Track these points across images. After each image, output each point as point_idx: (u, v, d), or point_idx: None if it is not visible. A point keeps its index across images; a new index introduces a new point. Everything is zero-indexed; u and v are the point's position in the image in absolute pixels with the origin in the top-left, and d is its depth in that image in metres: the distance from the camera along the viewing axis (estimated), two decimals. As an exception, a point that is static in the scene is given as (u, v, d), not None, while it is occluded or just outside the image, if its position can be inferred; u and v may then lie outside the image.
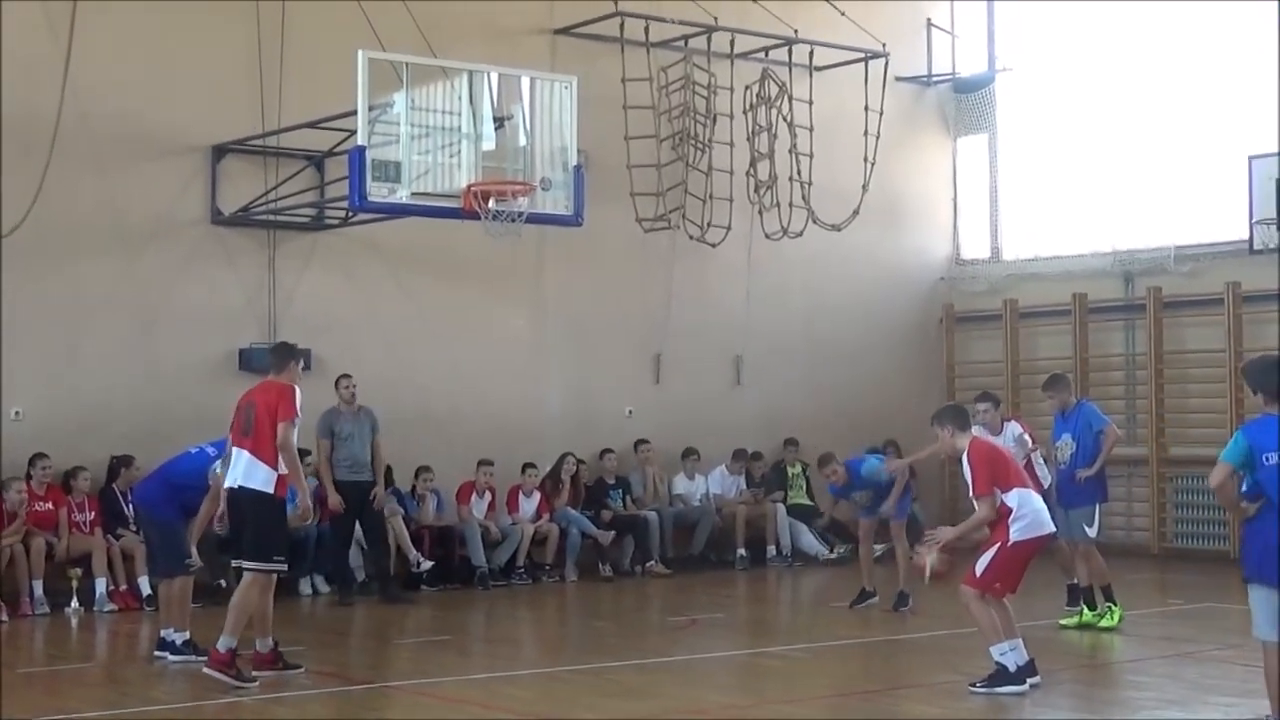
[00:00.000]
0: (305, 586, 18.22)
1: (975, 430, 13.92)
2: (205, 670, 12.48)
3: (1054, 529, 12.59)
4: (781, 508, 21.74)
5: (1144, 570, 19.77)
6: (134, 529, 17.39)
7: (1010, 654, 11.90)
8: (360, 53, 15.42)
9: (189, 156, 18.83)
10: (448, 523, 19.52)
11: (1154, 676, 12.78)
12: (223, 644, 12.40)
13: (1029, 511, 12.01)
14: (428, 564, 18.56)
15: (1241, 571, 9.97)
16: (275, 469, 12.53)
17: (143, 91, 18.44)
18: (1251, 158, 20.65)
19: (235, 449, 12.75)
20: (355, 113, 15.55)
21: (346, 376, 18.17)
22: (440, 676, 13.11)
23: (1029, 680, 11.90)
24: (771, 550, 21.54)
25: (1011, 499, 11.97)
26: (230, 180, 18.97)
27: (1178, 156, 22.29)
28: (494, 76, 16.65)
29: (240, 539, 12.80)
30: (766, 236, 21.95)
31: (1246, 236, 20.74)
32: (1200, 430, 21.68)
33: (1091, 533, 15.30)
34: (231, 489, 12.73)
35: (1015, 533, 11.93)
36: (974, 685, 11.90)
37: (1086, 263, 23.10)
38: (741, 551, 21.32)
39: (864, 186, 22.24)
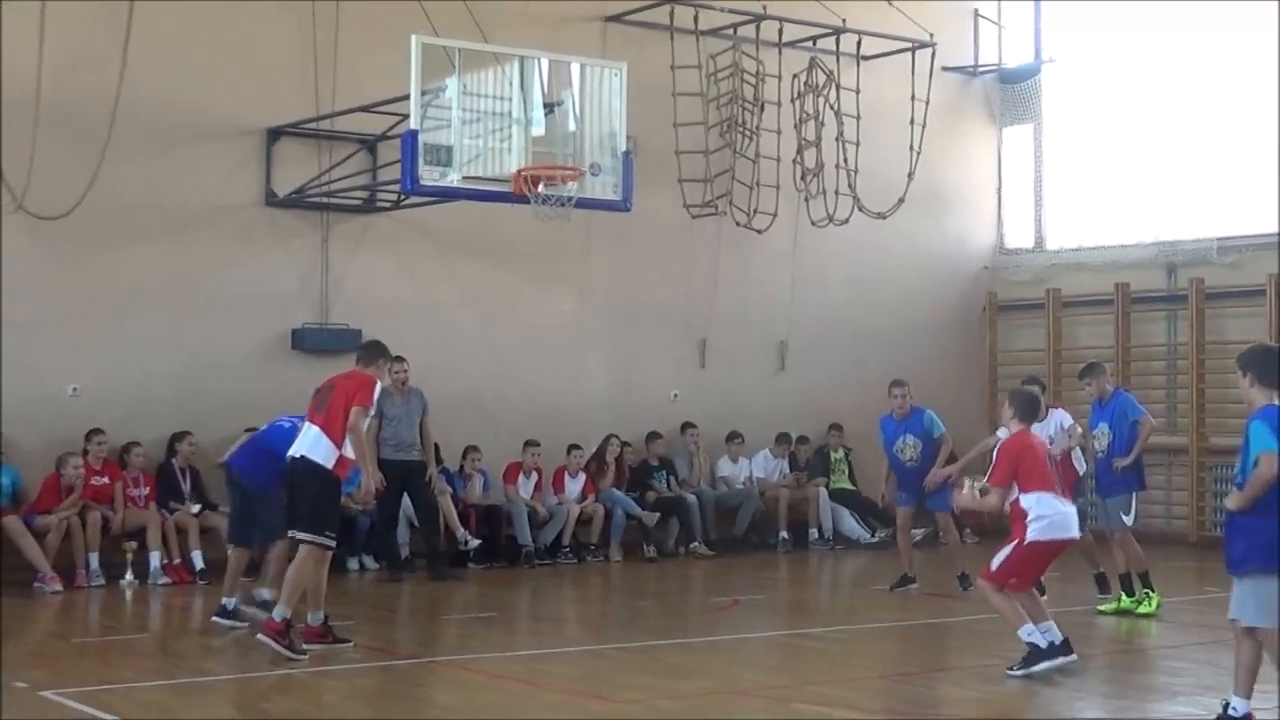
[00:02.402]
0: (353, 563, 18.36)
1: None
2: (258, 638, 12.64)
3: (1077, 535, 12.54)
4: (824, 491, 21.77)
5: (1182, 558, 19.72)
6: (185, 501, 17.64)
7: (1038, 634, 11.95)
8: (414, 37, 15.45)
9: (244, 140, 18.95)
10: (494, 502, 19.61)
11: (1191, 663, 12.77)
12: (277, 614, 12.54)
13: (1048, 514, 12.02)
14: (475, 542, 18.62)
15: (1245, 564, 9.73)
16: (339, 449, 12.71)
17: (199, 76, 18.55)
18: (1295, 151, 20.60)
19: (307, 424, 12.98)
20: (408, 97, 15.57)
21: (400, 359, 18.11)
22: (486, 652, 13.17)
23: (1063, 657, 11.95)
24: (813, 533, 21.60)
25: (1028, 500, 12.00)
26: (284, 163, 19.07)
27: (1221, 148, 22.22)
28: (545, 62, 16.66)
29: (294, 509, 12.96)
30: (812, 223, 21.98)
31: (1288, 229, 20.69)
32: (1240, 420, 21.22)
33: (1128, 521, 15.27)
34: (293, 458, 12.89)
35: (1032, 533, 11.98)
36: (1011, 669, 11.92)
37: (1130, 253, 23.04)
38: (783, 534, 21.39)
39: (909, 175, 22.24)
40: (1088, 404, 16.15)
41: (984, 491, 12.33)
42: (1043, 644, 11.92)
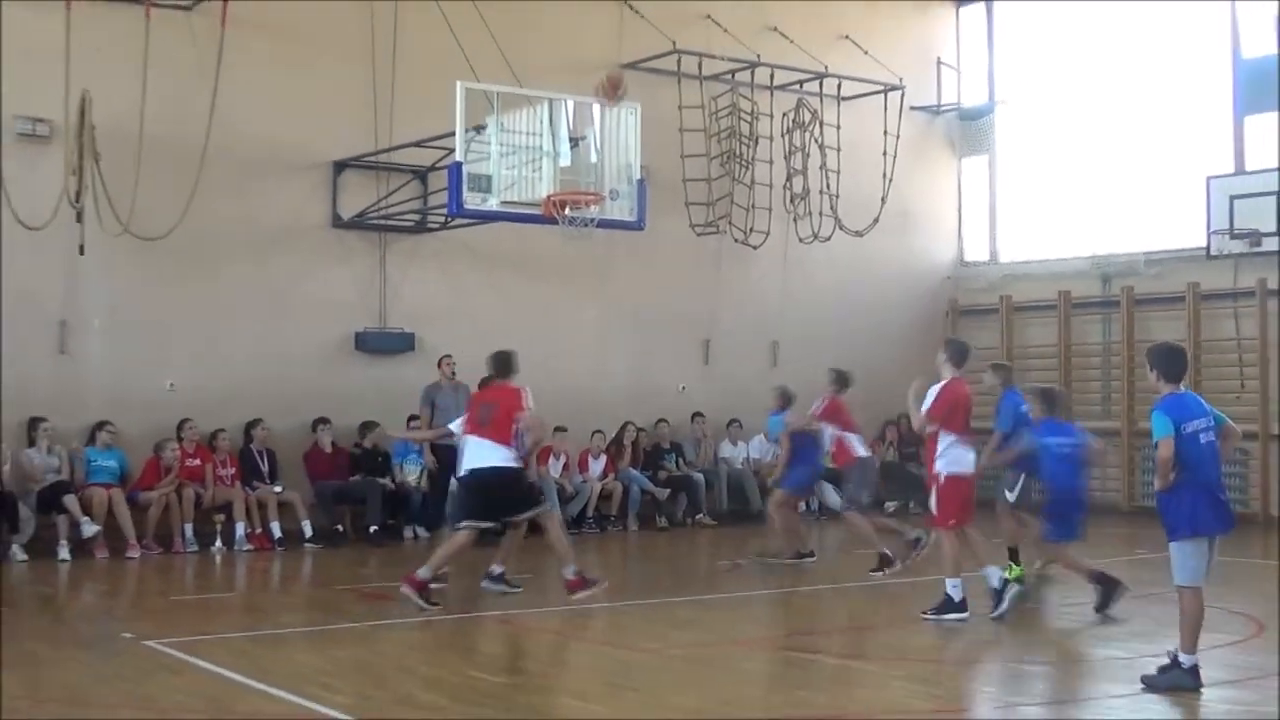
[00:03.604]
0: (408, 532, 18.37)
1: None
2: (402, 590, 12.83)
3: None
4: (810, 470, 21.71)
5: (1116, 525, 19.67)
6: (265, 479, 17.63)
7: (958, 589, 12.25)
8: (459, 83, 15.49)
9: (313, 171, 18.99)
10: (529, 480, 19.56)
11: (1123, 614, 12.76)
12: (423, 572, 12.89)
13: (952, 454, 12.34)
14: (513, 514, 18.59)
15: (1177, 532, 9.62)
16: (511, 450, 12.99)
17: (276, 116, 18.59)
18: (1209, 178, 20.70)
19: (479, 440, 13.10)
20: (454, 134, 15.63)
21: (448, 356, 18.39)
22: (523, 609, 13.17)
23: (962, 613, 12.17)
24: (801, 506, 21.49)
25: (943, 442, 12.35)
26: (348, 191, 19.11)
27: (1147, 176, 22.28)
28: (570, 104, 16.63)
29: (490, 505, 13.14)
30: (800, 241, 22.03)
31: (1205, 244, 20.70)
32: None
33: (1010, 497, 14.54)
34: (483, 469, 13.02)
35: (939, 466, 12.36)
36: (925, 613, 12.17)
37: (1070, 265, 23.06)
38: (776, 506, 21.36)
39: (883, 199, 22.29)
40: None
41: (919, 397, 12.61)
42: (957, 598, 12.19)
